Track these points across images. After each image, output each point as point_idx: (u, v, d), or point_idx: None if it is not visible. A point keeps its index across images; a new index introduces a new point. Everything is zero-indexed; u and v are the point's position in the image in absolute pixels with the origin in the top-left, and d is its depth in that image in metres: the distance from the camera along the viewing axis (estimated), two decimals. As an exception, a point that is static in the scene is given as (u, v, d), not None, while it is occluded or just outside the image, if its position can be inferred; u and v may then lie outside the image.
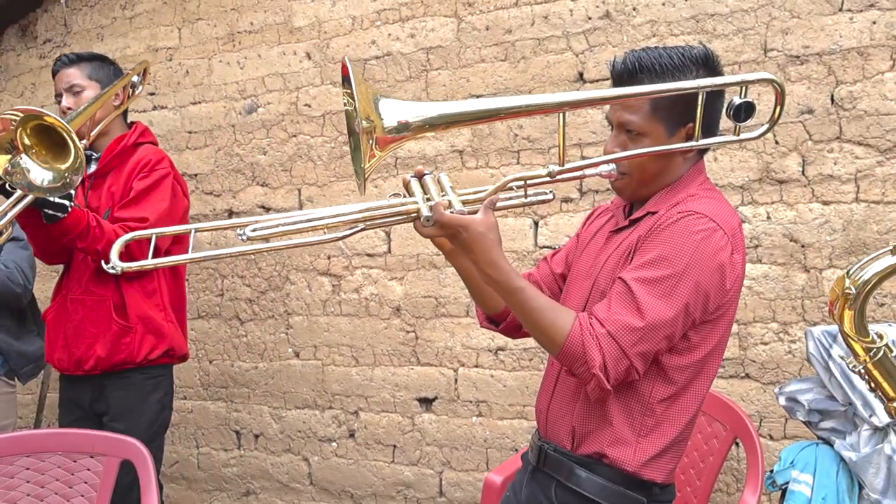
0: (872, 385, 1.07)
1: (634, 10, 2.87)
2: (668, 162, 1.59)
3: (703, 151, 1.65)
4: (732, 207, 1.59)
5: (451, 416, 3.23)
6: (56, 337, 2.52)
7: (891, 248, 1.01)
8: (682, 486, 2.61)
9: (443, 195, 1.53)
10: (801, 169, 2.65)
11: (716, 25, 2.75)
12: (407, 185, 1.57)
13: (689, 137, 1.55)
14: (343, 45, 3.37)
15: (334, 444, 3.46)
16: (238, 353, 3.66)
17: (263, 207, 3.57)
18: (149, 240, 2.37)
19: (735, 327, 2.73)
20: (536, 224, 3.06)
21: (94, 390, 2.53)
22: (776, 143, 2.68)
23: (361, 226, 1.56)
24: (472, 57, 3.13)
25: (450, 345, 3.21)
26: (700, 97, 1.48)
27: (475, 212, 1.50)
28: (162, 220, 2.46)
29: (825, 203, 2.63)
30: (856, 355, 1.06)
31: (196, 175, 3.73)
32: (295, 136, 3.50)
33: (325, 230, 1.58)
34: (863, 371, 1.07)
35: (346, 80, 1.46)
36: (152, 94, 3.84)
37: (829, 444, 2.05)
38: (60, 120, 2.01)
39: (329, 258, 3.44)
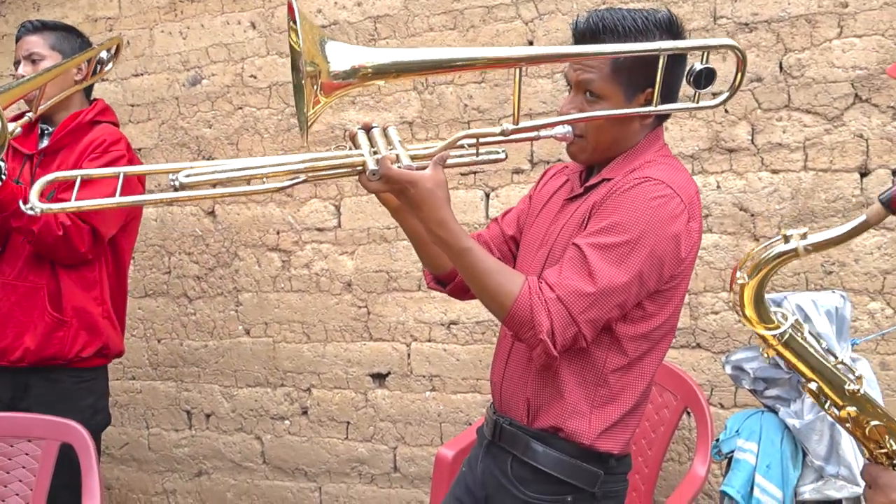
0: (788, 366, 1.05)
1: (584, -24, 2.82)
2: (625, 127, 1.56)
3: (661, 118, 1.62)
4: (690, 175, 1.57)
5: (404, 391, 3.20)
6: None
7: (781, 237, 1.00)
8: (634, 455, 2.61)
9: (391, 149, 1.47)
10: (750, 138, 2.64)
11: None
12: (353, 138, 1.51)
13: (648, 103, 1.52)
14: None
15: (287, 421, 3.41)
16: (187, 331, 3.58)
17: (210, 183, 3.47)
18: (90, 230, 2.29)
19: (686, 297, 2.72)
20: (487, 196, 3.02)
21: (16, 386, 2.38)
22: (726, 111, 2.66)
23: (303, 177, 1.49)
24: (421, 25, 3.06)
25: (402, 319, 3.17)
26: (661, 61, 1.46)
27: (424, 168, 1.45)
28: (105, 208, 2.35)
29: (774, 172, 2.62)
30: (765, 342, 1.04)
31: (140, 150, 3.61)
32: (241, 108, 3.41)
33: (265, 179, 1.50)
34: (776, 356, 1.05)
35: (291, 20, 1.39)
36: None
37: (774, 411, 2.06)
38: None
39: (278, 233, 3.37)
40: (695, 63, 1.47)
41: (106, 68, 2.59)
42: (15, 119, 2.26)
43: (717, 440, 2.10)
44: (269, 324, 3.41)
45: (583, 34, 1.54)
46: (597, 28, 1.51)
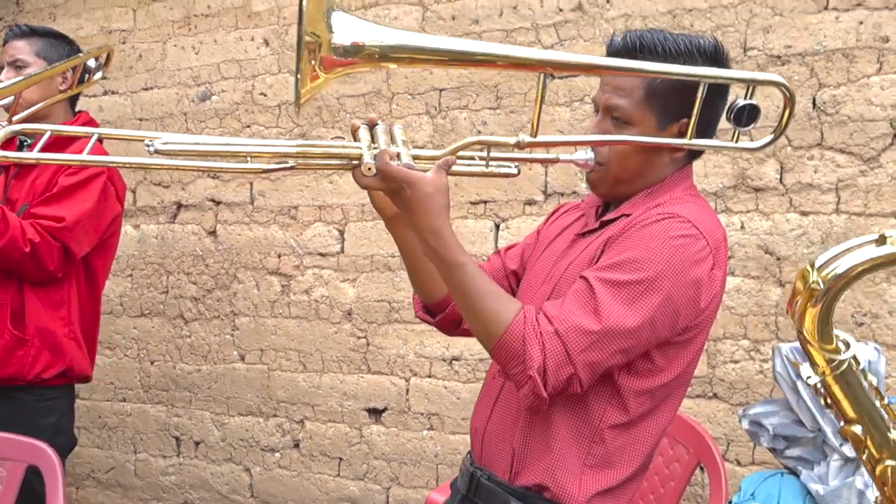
0: (829, 402, 0.88)
1: (608, 2, 2.69)
2: (652, 158, 1.40)
3: (693, 155, 1.46)
4: (718, 219, 1.41)
5: (401, 428, 3.02)
6: None
7: (875, 237, 0.83)
8: (641, 512, 2.41)
9: (392, 146, 1.32)
10: (778, 176, 2.48)
11: (693, 21, 2.58)
12: (354, 132, 1.36)
13: (682, 135, 1.37)
14: (302, 31, 3.18)
15: (278, 454, 3.25)
16: (181, 354, 3.44)
17: (213, 201, 3.37)
18: (61, 247, 2.16)
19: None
20: (497, 227, 2.88)
21: None
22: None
23: (292, 162, 1.35)
24: (437, 47, 2.94)
25: (402, 352, 3.01)
26: (701, 90, 1.30)
27: (426, 171, 1.30)
28: (82, 222, 2.21)
29: (803, 213, 2.45)
30: (814, 365, 0.87)
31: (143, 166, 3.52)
32: (249, 126, 3.30)
33: (249, 159, 1.37)
34: (820, 385, 0.88)
35: None
36: (104, 78, 3.63)
37: (796, 474, 1.86)
38: None
39: (279, 256, 3.24)
40: (737, 98, 1.32)
41: (94, 78, 2.48)
42: None
43: (730, 503, 1.90)
44: (265, 350, 3.26)
45: (618, 52, 1.39)
46: (634, 46, 1.37)
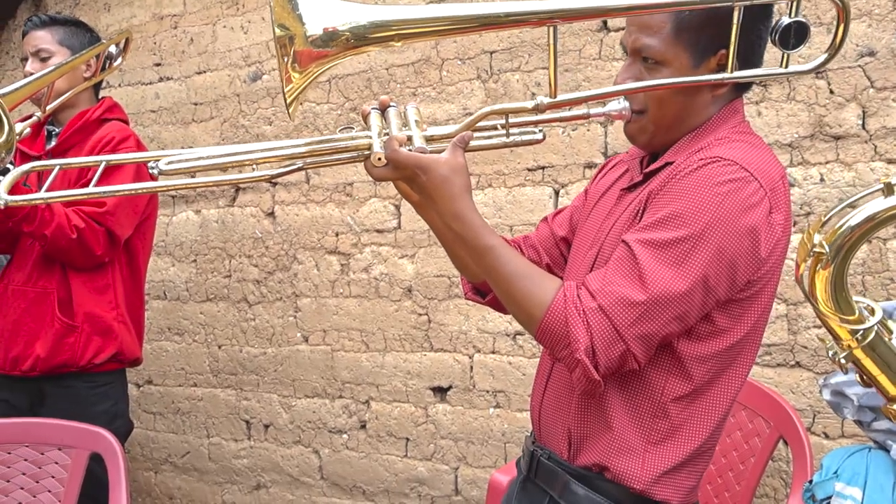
0: (865, 378, 0.73)
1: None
2: (692, 99, 1.27)
3: (740, 88, 1.31)
4: (774, 155, 1.25)
5: (466, 406, 2.93)
6: None
7: (881, 186, 0.68)
8: (720, 490, 2.26)
9: (405, 129, 1.23)
10: (860, 122, 2.25)
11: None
12: (366, 118, 1.28)
13: (722, 68, 1.22)
14: (348, 2, 3.09)
15: (345, 435, 3.21)
16: (247, 337, 3.43)
17: (270, 182, 3.33)
18: (105, 232, 2.15)
19: (783, 307, 2.35)
20: (557, 193, 2.73)
21: (32, 395, 2.27)
22: (831, 91, 2.28)
23: (300, 163, 1.31)
24: None
25: (464, 328, 2.91)
26: (736, 15, 1.15)
27: (441, 151, 1.21)
28: (122, 205, 2.20)
29: (890, 161, 2.22)
30: (837, 340, 0.72)
31: (202, 149, 3.51)
32: (301, 104, 3.23)
33: (255, 166, 1.32)
34: (844, 361, 0.73)
35: None
36: (158, 64, 3.64)
37: (885, 449, 1.67)
38: None
39: (337, 235, 3.17)
40: (782, 17, 1.15)
41: (115, 63, 2.45)
42: (23, 120, 2.14)
43: (811, 482, 1.73)
44: (328, 331, 3.22)
45: None
46: None
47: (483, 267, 1.23)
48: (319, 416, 3.26)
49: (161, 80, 3.63)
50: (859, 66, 2.24)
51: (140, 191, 1.48)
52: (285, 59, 1.14)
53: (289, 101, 1.18)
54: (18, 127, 2.01)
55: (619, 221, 1.31)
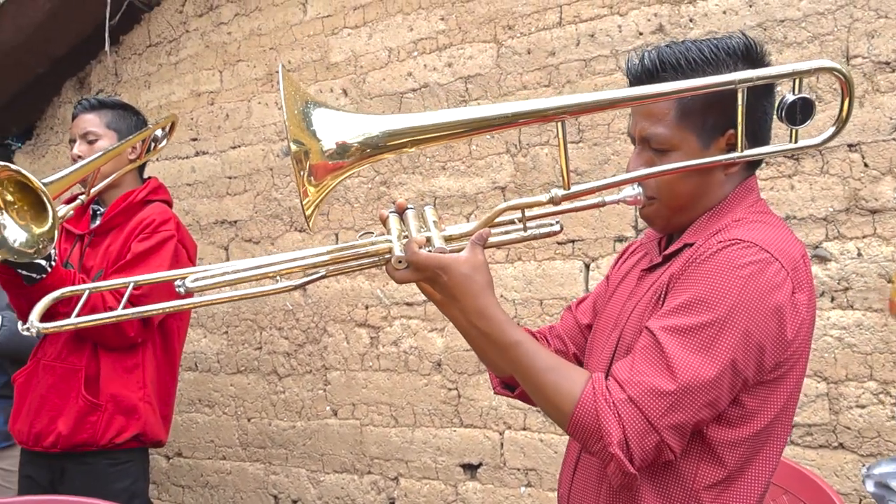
0: None
1: (691, 21, 2.51)
2: (705, 180, 1.25)
3: (752, 165, 1.30)
4: (793, 234, 1.22)
5: (497, 485, 2.86)
6: (21, 404, 2.25)
7: None
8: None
9: (423, 231, 1.24)
10: (897, 195, 2.21)
11: (787, 33, 2.36)
12: (384, 221, 1.29)
13: (731, 147, 1.22)
14: (379, 78, 3.15)
15: (374, 513, 3.14)
16: (276, 410, 3.41)
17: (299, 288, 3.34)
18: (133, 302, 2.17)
19: (823, 386, 2.28)
20: (587, 267, 2.70)
21: (53, 471, 2.24)
22: (865, 165, 2.24)
23: (323, 271, 1.30)
24: (513, 83, 2.83)
25: (495, 404, 2.86)
26: (740, 96, 1.14)
27: (460, 250, 1.21)
28: (157, 287, 2.21)
29: (930, 236, 2.17)
30: None
31: (236, 222, 3.55)
32: (321, 213, 3.27)
33: (278, 278, 1.32)
34: None
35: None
36: (195, 139, 3.72)
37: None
38: (38, 182, 1.79)
39: (367, 308, 3.17)
40: (786, 94, 1.14)
41: (160, 146, 2.49)
42: (68, 202, 2.17)
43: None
44: (357, 405, 3.18)
45: (638, 77, 1.26)
46: (654, 67, 1.23)
47: (509, 362, 1.21)
48: (348, 492, 3.21)
49: (197, 154, 3.71)
50: (894, 139, 2.20)
51: (169, 310, 1.50)
52: (301, 174, 1.16)
53: (307, 212, 1.19)
54: (63, 209, 2.04)
55: (641, 303, 1.29)
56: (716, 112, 1.21)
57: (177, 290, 1.29)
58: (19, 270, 1.95)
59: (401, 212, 1.28)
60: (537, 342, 1.22)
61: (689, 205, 1.27)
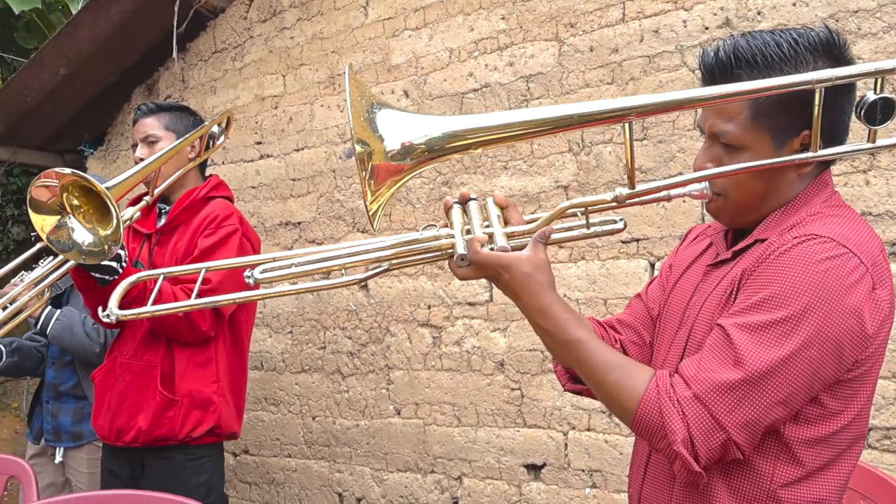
0: None
1: (759, 14, 2.46)
2: (775, 179, 1.22)
3: (827, 162, 1.26)
4: (871, 229, 1.19)
5: (561, 485, 2.84)
6: (101, 402, 2.34)
7: None
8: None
9: (485, 226, 1.25)
10: (980, 190, 2.13)
11: (860, 23, 2.29)
12: (448, 212, 1.30)
13: (805, 147, 1.18)
14: (440, 79, 3.16)
15: (437, 512, 3.15)
16: (340, 409, 3.45)
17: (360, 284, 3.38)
18: (212, 308, 2.23)
19: (901, 388, 2.20)
20: (653, 266, 2.67)
21: (133, 465, 2.32)
22: (945, 159, 2.17)
23: (385, 265, 1.32)
24: (576, 82, 2.81)
25: (558, 404, 2.84)
26: (817, 96, 1.11)
27: (522, 248, 1.21)
28: (226, 281, 2.27)
29: None
30: None
31: (299, 223, 3.61)
32: (385, 214, 3.29)
33: (344, 271, 1.35)
34: None
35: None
36: (259, 142, 3.79)
37: None
38: (100, 186, 1.86)
39: (429, 308, 3.18)
40: (866, 94, 1.11)
41: (217, 143, 2.55)
42: (133, 203, 2.24)
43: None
44: (420, 404, 3.20)
45: (711, 71, 1.22)
46: (728, 62, 1.19)
47: (572, 361, 1.21)
48: (411, 490, 3.23)
49: (262, 157, 3.78)
50: (976, 131, 2.12)
51: (239, 300, 1.54)
52: (365, 174, 1.17)
53: (371, 212, 1.21)
54: (129, 211, 2.10)
55: (710, 300, 1.26)
56: (791, 112, 1.17)
57: (246, 280, 1.32)
58: (92, 273, 2.01)
59: (464, 202, 1.29)
60: (600, 340, 1.21)
61: (758, 203, 1.24)
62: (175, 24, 3.81)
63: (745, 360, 1.09)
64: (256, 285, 1.35)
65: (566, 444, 2.82)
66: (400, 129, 1.19)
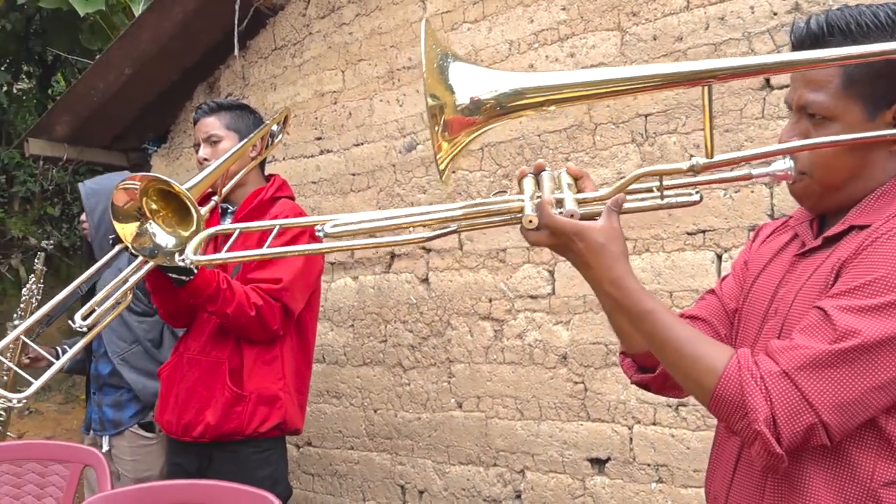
0: None
1: (831, -3, 2.39)
2: (866, 157, 1.18)
3: None
4: None
5: (626, 480, 2.81)
6: (167, 397, 2.39)
7: None
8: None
9: (557, 192, 1.22)
10: None
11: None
12: (520, 181, 1.28)
13: None
14: (500, 71, 3.14)
15: (500, 505, 3.15)
16: (401, 402, 3.47)
17: (424, 248, 3.39)
18: (281, 307, 2.27)
19: None
20: (720, 257, 2.62)
21: (201, 459, 2.37)
22: None
23: (454, 226, 1.32)
24: (639, 71, 2.77)
25: (623, 398, 2.81)
26: None
27: (595, 216, 1.18)
28: (296, 281, 2.31)
29: None
30: None
31: (360, 218, 3.63)
32: (454, 171, 3.30)
33: (411, 229, 1.37)
34: None
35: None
36: (319, 138, 3.83)
37: None
38: (180, 187, 1.90)
39: (490, 301, 3.18)
40: None
41: (277, 140, 2.58)
42: (201, 204, 2.28)
43: None
44: (482, 398, 3.20)
45: (802, 42, 1.18)
46: (820, 31, 1.16)
47: (645, 333, 1.17)
48: (474, 483, 3.23)
49: (322, 152, 3.82)
50: None
51: (308, 252, 1.57)
52: (437, 129, 1.17)
53: (441, 167, 1.21)
54: (201, 211, 2.15)
55: (805, 290, 1.20)
56: (886, 82, 1.13)
57: (316, 234, 1.33)
58: (169, 274, 2.06)
59: (537, 172, 1.27)
60: (674, 314, 1.18)
61: (844, 183, 1.19)
62: (236, 22, 3.87)
63: (846, 336, 1.05)
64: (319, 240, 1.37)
65: (631, 439, 2.80)
66: (471, 83, 1.19)
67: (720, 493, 1.30)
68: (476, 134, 1.21)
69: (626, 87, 1.21)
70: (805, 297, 1.19)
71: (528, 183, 1.24)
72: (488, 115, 1.18)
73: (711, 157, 1.15)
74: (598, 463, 2.89)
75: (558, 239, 1.18)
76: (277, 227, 1.51)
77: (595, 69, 1.08)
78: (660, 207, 1.27)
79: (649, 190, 1.26)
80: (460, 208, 1.28)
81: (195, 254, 1.46)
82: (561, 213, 1.17)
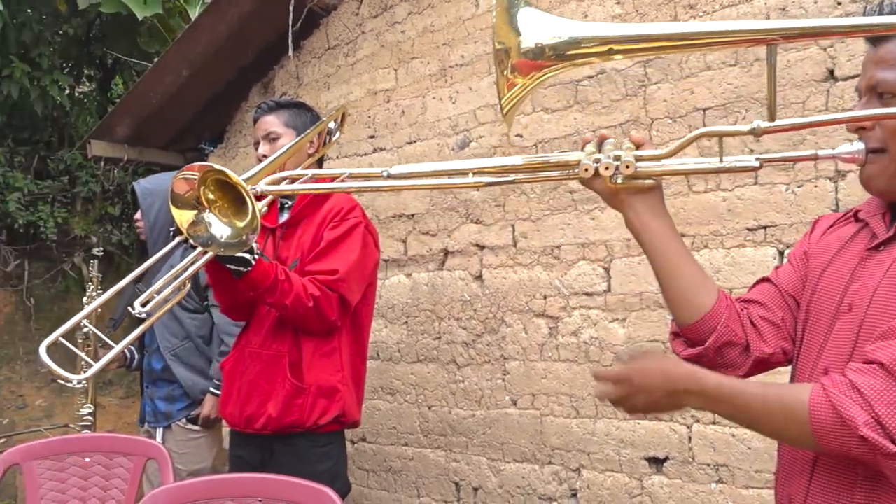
0: None
1: (899, -15, 2.31)
2: None
3: None
4: None
5: (685, 480, 2.77)
6: (230, 390, 2.43)
7: None
8: None
9: (615, 151, 1.26)
10: None
11: None
12: (583, 147, 1.32)
13: None
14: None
15: (555, 503, 3.13)
16: (455, 399, 3.48)
17: (478, 245, 3.39)
18: (339, 298, 2.30)
19: None
20: (781, 254, 2.56)
21: (264, 451, 2.40)
22: None
23: (512, 176, 1.39)
24: (696, 65, 2.73)
25: (681, 397, 2.77)
26: None
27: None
28: (352, 272, 2.33)
29: None
30: None
31: (413, 216, 3.65)
32: (516, 115, 3.29)
33: (471, 174, 1.40)
34: None
35: None
36: (372, 136, 3.85)
37: None
38: (237, 178, 1.92)
39: (545, 298, 3.16)
40: None
41: (334, 137, 2.60)
42: (259, 199, 2.31)
43: None
44: (537, 395, 3.19)
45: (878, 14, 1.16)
46: (892, 11, 1.14)
47: (721, 403, 1.17)
48: (529, 481, 3.22)
49: (375, 150, 3.84)
50: None
51: (368, 189, 1.63)
52: (504, 72, 1.22)
53: (505, 110, 1.25)
54: (258, 204, 2.17)
55: (885, 284, 1.16)
56: None
57: (381, 175, 1.42)
58: (228, 265, 2.09)
59: (601, 141, 1.31)
60: (735, 379, 1.20)
61: None
62: (290, 23, 3.92)
63: None
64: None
65: (690, 438, 2.75)
66: (536, 28, 1.22)
67: (797, 495, 1.25)
68: (539, 80, 1.24)
69: (686, 43, 1.22)
70: (886, 293, 1.15)
71: (590, 146, 1.29)
72: (550, 60, 1.21)
73: (773, 120, 1.14)
74: (656, 462, 2.85)
75: (624, 390, 1.22)
76: (346, 173, 1.57)
77: (658, 23, 1.11)
78: (718, 171, 1.28)
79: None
80: (522, 159, 1.34)
81: (266, 185, 1.63)
82: (618, 165, 1.22)
